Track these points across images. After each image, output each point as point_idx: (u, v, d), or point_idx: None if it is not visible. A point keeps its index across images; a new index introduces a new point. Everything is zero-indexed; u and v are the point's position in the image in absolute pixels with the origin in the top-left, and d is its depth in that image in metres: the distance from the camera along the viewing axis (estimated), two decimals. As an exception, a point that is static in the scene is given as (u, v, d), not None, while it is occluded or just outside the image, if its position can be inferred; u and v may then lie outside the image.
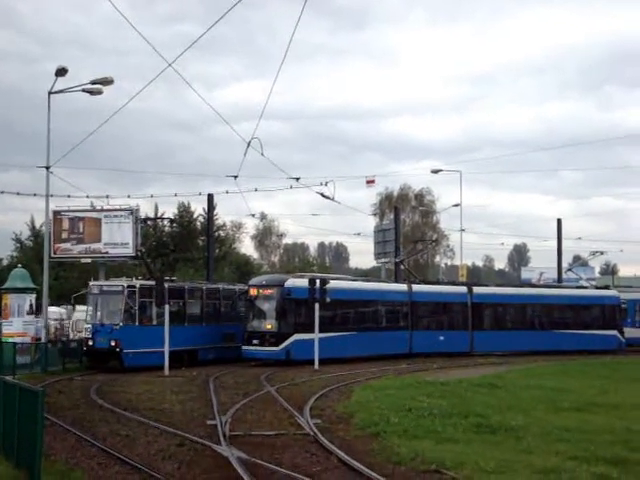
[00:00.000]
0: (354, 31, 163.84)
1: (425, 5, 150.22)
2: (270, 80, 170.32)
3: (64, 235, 43.50)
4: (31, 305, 36.44)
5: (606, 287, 54.02)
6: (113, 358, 32.41)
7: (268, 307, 36.36)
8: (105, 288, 33.98)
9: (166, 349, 31.47)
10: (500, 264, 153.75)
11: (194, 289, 36.86)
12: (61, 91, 35.30)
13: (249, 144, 29.14)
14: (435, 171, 59.70)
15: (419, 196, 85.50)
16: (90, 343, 32.70)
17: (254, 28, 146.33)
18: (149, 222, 46.91)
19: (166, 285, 32.66)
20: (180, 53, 22.49)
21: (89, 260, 44.81)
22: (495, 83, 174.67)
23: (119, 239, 42.63)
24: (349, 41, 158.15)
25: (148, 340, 32.64)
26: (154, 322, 33.40)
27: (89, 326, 33.12)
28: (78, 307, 38.31)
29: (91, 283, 34.70)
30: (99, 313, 33.45)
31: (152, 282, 33.16)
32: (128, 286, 32.99)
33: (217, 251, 62.36)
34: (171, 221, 63.02)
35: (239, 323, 37.23)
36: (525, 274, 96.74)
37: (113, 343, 32.12)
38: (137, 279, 34.59)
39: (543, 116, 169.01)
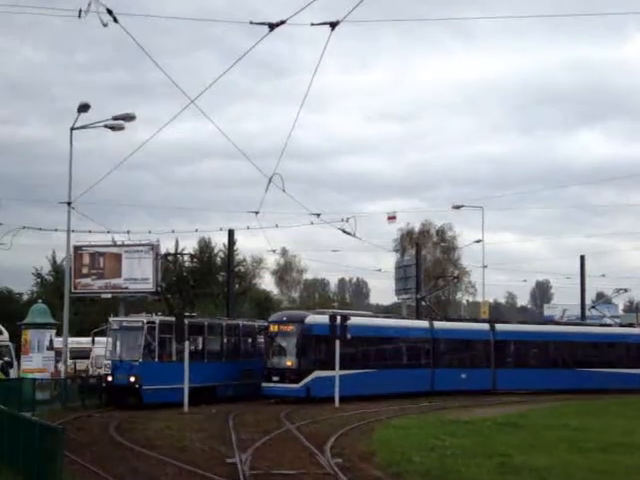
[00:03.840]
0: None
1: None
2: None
3: (84, 270, 43.71)
4: (51, 341, 36.37)
5: (630, 325, 53.51)
6: (132, 394, 32.15)
7: (288, 343, 36.15)
8: (125, 324, 33.82)
9: (186, 385, 31.27)
10: (522, 301, 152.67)
11: (214, 325, 36.73)
12: (83, 127, 35.48)
13: (270, 180, 29.24)
14: (457, 207, 59.45)
15: (440, 232, 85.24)
16: (109, 379, 32.47)
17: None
18: (169, 257, 46.97)
19: (186, 321, 32.57)
20: (202, 90, 22.50)
21: (109, 295, 44.87)
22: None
23: (139, 274, 42.76)
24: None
25: (168, 376, 32.44)
26: (174, 358, 33.28)
27: (108, 362, 32.98)
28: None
29: (111, 319, 34.59)
30: (119, 349, 33.28)
31: (172, 318, 33.09)
32: (148, 322, 32.86)
33: (237, 286, 62.27)
34: (191, 256, 63.05)
35: (258, 359, 37.06)
36: (548, 311, 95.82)
37: (132, 379, 31.87)
38: (157, 315, 34.51)
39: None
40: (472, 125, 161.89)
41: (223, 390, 35.61)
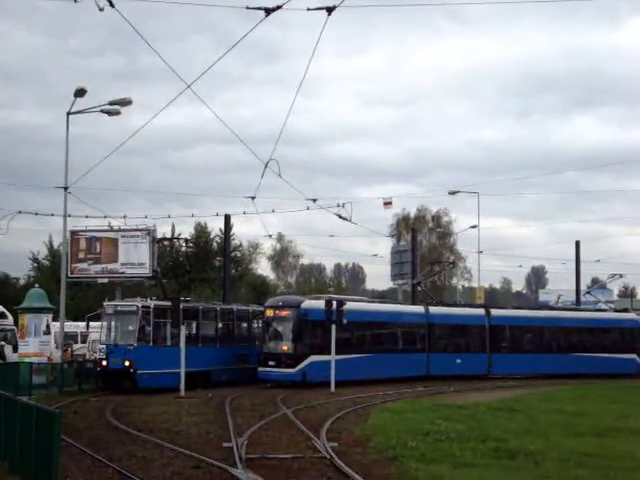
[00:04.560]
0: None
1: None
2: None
3: (81, 255, 43.64)
4: (48, 325, 36.43)
5: (625, 310, 53.66)
6: (127, 379, 32.04)
7: (284, 328, 36.24)
8: (119, 308, 33.63)
9: (182, 370, 31.34)
10: (518, 286, 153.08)
11: (208, 310, 36.64)
12: (79, 112, 35.41)
13: (267, 165, 29.24)
14: (453, 192, 59.40)
15: (436, 217, 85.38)
16: (104, 363, 32.32)
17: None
18: (165, 242, 46.87)
19: (180, 305, 32.56)
20: (199, 75, 22.55)
21: (106, 280, 44.88)
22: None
23: (136, 259, 42.70)
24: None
25: (162, 361, 32.39)
26: (168, 343, 33.21)
27: (103, 346, 32.91)
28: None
29: (105, 303, 34.36)
30: (113, 333, 33.16)
31: (167, 302, 33.06)
32: (142, 306, 32.73)
33: (233, 272, 62.32)
34: (185, 241, 62.73)
35: (252, 344, 37.15)
36: (543, 296, 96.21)
37: (127, 363, 31.77)
38: (151, 299, 34.41)
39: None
40: (468, 111, 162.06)
41: (217, 375, 35.53)
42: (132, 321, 32.75)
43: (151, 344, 32.70)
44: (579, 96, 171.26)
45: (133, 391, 31.16)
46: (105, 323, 33.48)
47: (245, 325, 38.92)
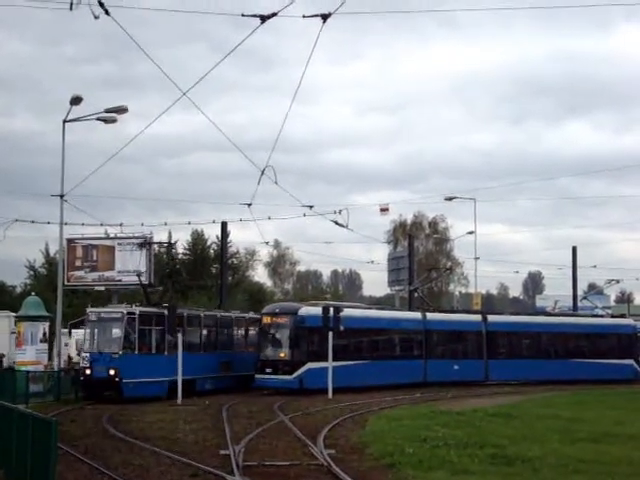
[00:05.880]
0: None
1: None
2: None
3: (78, 263, 43.63)
4: (44, 333, 36.34)
5: (622, 316, 53.70)
6: (112, 388, 30.93)
7: (281, 335, 36.20)
8: (104, 315, 32.43)
9: (179, 377, 31.17)
10: (515, 292, 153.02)
11: (192, 316, 35.66)
12: (76, 119, 35.37)
13: (263, 172, 29.22)
14: (449, 198, 59.42)
15: (433, 224, 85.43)
16: (88, 372, 31.12)
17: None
18: (160, 248, 46.70)
19: (165, 312, 32.15)
20: (195, 83, 22.51)
21: (103, 288, 44.79)
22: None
23: (132, 267, 42.65)
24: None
25: (148, 369, 31.68)
26: (154, 350, 32.46)
27: (87, 355, 31.80)
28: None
29: (89, 310, 33.06)
30: (97, 341, 31.98)
31: (152, 309, 32.68)
32: (128, 313, 31.66)
33: (230, 278, 62.25)
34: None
35: (236, 351, 37.17)
36: (540, 302, 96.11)
37: (112, 372, 30.68)
38: (136, 305, 33.45)
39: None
40: (461, 116, 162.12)
41: (202, 383, 34.81)
42: (117, 328, 31.71)
43: (136, 352, 31.66)
44: (573, 102, 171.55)
45: (118, 401, 30.13)
46: (89, 330, 32.32)
47: (228, 332, 38.46)
